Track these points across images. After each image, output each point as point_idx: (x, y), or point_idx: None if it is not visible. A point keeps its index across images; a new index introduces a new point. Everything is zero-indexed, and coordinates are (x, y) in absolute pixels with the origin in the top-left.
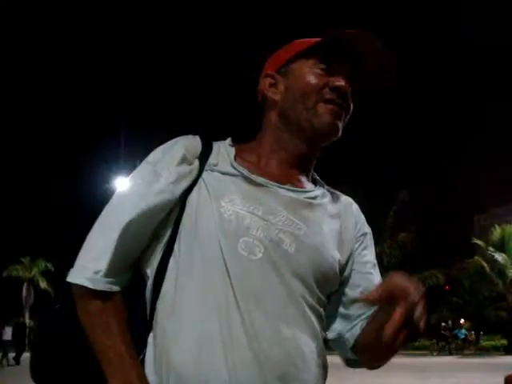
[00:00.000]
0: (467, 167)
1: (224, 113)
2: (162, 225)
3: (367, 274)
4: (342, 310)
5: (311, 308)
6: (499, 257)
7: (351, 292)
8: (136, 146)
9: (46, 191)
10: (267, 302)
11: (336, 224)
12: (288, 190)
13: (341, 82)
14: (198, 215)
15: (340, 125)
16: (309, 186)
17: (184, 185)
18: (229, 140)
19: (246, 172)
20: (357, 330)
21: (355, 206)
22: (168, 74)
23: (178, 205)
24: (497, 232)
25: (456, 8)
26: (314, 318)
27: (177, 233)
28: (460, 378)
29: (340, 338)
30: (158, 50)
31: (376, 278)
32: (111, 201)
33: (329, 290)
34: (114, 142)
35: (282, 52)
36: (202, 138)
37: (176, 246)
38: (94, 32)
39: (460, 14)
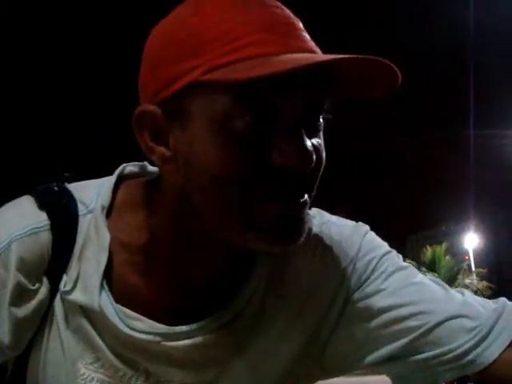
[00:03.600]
0: (400, 190)
1: None
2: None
3: (410, 287)
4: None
5: None
6: (431, 276)
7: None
8: None
9: None
10: None
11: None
12: (182, 334)
13: (297, 158)
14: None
15: (305, 226)
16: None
17: (27, 337)
18: (109, 195)
19: (111, 309)
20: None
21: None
22: None
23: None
24: (428, 253)
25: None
26: None
27: None
28: None
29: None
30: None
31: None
32: None
33: None
34: None
35: (167, 47)
36: (54, 218)
37: None
38: (94, 31)
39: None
